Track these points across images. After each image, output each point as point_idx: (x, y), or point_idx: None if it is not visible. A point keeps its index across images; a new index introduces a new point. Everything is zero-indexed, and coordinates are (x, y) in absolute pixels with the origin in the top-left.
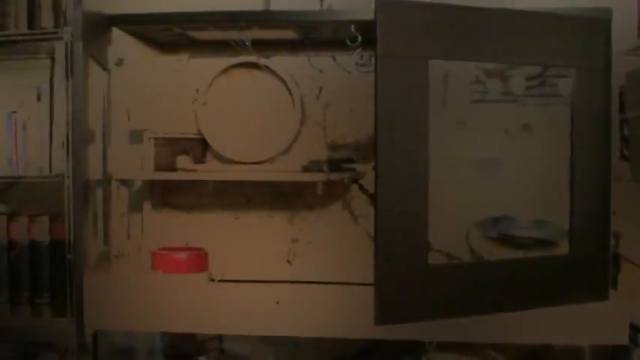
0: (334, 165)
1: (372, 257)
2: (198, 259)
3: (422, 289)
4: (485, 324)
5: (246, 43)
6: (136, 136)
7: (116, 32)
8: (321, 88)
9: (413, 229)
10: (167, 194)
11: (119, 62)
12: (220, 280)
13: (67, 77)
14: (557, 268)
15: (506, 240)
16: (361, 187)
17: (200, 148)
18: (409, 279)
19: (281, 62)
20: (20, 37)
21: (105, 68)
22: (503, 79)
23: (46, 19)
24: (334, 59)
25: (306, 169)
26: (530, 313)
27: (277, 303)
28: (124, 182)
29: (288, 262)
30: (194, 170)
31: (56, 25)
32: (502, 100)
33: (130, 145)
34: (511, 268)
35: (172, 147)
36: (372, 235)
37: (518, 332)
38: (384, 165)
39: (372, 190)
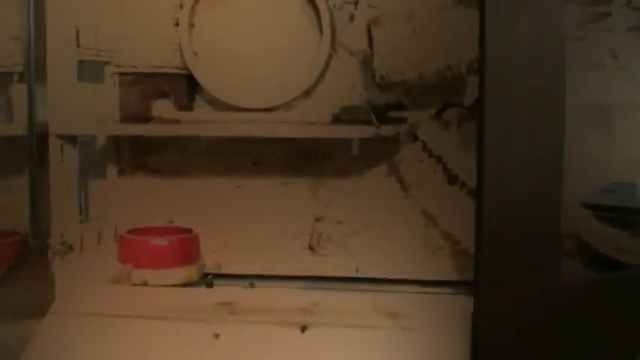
0: (377, 113)
1: (428, 244)
2: (186, 246)
3: (551, 324)
4: None
5: None
6: (91, 71)
7: None
8: None
9: (539, 232)
10: (140, 154)
11: None
12: (214, 276)
13: None
14: None
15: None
16: (425, 146)
17: (186, 88)
18: (533, 310)
19: None
20: None
21: None
22: None
23: None
24: None
25: (337, 118)
26: None
27: (303, 331)
28: (72, 140)
29: (311, 248)
30: (177, 120)
31: None
32: None
33: (79, 85)
34: None
35: (146, 87)
36: (429, 212)
37: None
38: (494, 133)
39: (436, 151)
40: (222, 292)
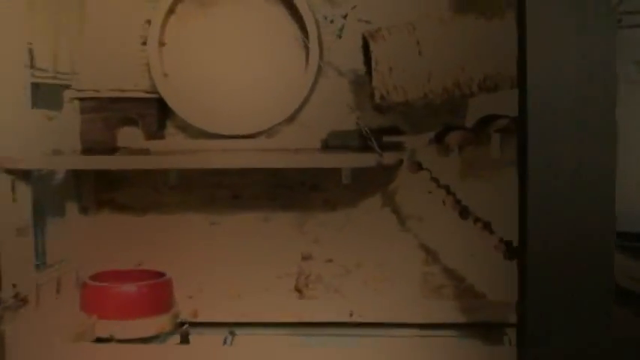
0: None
1: (429, 283)
2: (158, 292)
3: None
4: None
5: None
6: (47, 96)
7: None
8: (354, 7)
9: (588, 280)
10: (105, 189)
11: None
12: (190, 325)
13: None
14: None
15: None
16: (434, 178)
17: (155, 114)
18: None
19: None
20: None
21: None
22: None
23: None
24: None
25: (325, 145)
26: None
27: None
28: (25, 175)
29: (298, 291)
30: (147, 151)
31: None
32: None
33: (33, 111)
34: None
35: (110, 113)
36: (429, 247)
37: None
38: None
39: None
40: (200, 345)
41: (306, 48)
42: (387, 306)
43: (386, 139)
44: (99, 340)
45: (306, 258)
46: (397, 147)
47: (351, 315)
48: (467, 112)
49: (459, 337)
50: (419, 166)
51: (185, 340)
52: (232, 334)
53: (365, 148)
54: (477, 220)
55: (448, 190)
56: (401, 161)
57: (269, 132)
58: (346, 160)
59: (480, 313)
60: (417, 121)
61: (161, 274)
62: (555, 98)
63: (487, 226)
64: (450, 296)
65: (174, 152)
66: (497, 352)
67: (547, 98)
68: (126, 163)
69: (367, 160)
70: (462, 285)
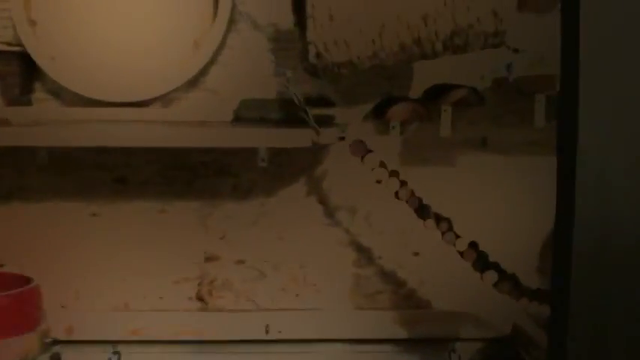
0: (291, 111)
1: (362, 288)
2: (23, 304)
3: None
4: None
5: None
6: None
7: None
8: None
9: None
10: None
11: None
12: (64, 344)
13: None
14: None
15: None
16: (382, 163)
17: (19, 73)
18: None
19: None
20: None
21: None
22: None
23: None
24: None
25: (237, 117)
26: None
27: None
28: None
29: (200, 299)
30: (6, 121)
31: None
32: None
33: None
34: None
35: None
36: (362, 245)
37: None
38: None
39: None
40: None
41: None
42: (310, 318)
43: (312, 111)
44: None
45: (210, 259)
46: (326, 122)
47: (267, 330)
48: (412, 81)
49: (396, 353)
50: (365, 148)
51: None
52: (117, 354)
53: (287, 122)
54: (439, 220)
55: (399, 178)
56: (341, 139)
57: (166, 99)
58: (264, 137)
59: (422, 326)
60: (350, 90)
61: (27, 280)
62: None
63: (450, 228)
64: (386, 305)
65: (43, 123)
66: None
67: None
68: None
69: (294, 137)
70: (402, 291)
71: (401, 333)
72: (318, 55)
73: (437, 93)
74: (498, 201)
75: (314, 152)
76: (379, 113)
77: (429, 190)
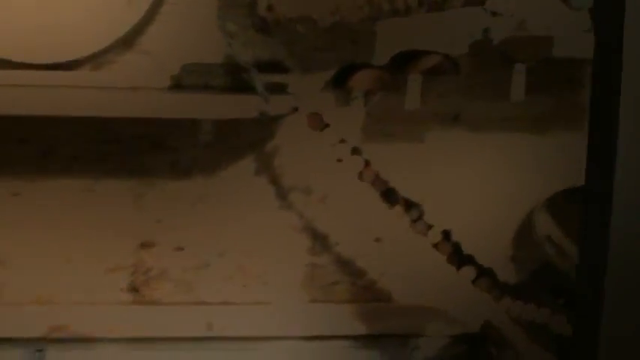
0: (237, 77)
1: (317, 278)
2: None
3: None
4: None
5: None
6: None
7: None
8: None
9: None
10: None
11: None
12: None
13: None
14: None
15: None
16: (342, 140)
17: None
18: None
19: None
20: None
21: None
22: None
23: None
24: None
25: (176, 83)
26: None
27: None
28: None
29: (134, 291)
30: None
31: None
32: None
33: None
34: None
35: None
36: (317, 230)
37: None
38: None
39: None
40: None
41: None
42: (259, 312)
43: (262, 78)
44: None
45: (145, 245)
46: (278, 90)
47: (209, 327)
48: (375, 45)
49: (355, 350)
50: (322, 122)
51: None
52: (40, 352)
53: (234, 89)
54: (407, 206)
55: (360, 155)
56: (294, 110)
57: (96, 62)
58: (207, 107)
59: (383, 321)
60: (307, 55)
61: None
62: None
63: (420, 215)
64: (344, 297)
65: None
66: None
67: None
68: None
69: (240, 107)
70: (361, 281)
71: (359, 328)
72: (269, 7)
73: (406, 60)
74: (470, 181)
75: (264, 125)
76: (340, 82)
77: (395, 170)
